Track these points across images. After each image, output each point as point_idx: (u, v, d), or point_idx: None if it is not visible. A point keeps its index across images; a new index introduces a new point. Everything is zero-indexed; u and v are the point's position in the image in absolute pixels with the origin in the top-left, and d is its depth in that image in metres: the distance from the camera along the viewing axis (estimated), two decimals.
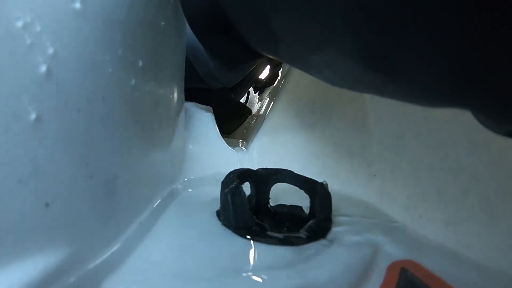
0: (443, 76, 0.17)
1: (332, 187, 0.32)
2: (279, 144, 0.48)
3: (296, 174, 0.33)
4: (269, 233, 0.28)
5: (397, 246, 0.27)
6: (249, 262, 0.24)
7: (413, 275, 0.23)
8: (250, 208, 0.29)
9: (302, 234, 0.28)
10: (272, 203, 0.33)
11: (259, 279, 0.21)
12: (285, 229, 0.30)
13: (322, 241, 0.27)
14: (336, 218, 0.32)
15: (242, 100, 0.84)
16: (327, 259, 0.24)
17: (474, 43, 0.15)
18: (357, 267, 0.24)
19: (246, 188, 0.30)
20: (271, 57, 0.45)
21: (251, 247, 0.25)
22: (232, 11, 0.28)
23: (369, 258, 0.25)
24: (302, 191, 0.32)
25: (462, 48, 0.15)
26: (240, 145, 0.51)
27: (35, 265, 0.15)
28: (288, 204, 0.34)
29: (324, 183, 0.32)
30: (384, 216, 0.34)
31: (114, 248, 0.21)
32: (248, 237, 0.26)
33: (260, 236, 0.26)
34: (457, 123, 0.29)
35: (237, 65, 0.52)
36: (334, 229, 0.30)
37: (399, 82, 0.19)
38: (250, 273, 0.22)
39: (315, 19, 0.20)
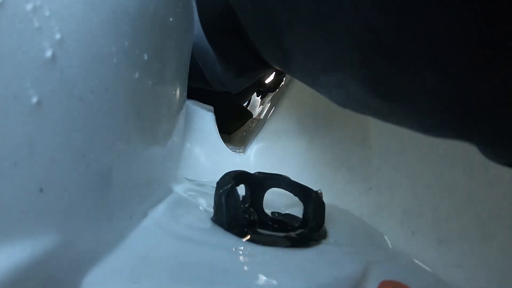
0: (447, 110, 0.17)
1: (327, 197, 0.32)
2: (277, 149, 0.48)
3: (292, 180, 0.33)
4: (259, 237, 0.28)
5: (388, 267, 0.27)
6: (238, 261, 0.24)
7: None
8: (243, 210, 0.29)
9: (293, 238, 0.28)
10: (265, 208, 0.33)
11: (247, 281, 0.21)
12: (277, 233, 0.30)
13: (313, 250, 0.27)
14: (329, 229, 0.32)
15: (244, 104, 0.84)
16: (317, 269, 0.24)
17: (481, 79, 0.15)
18: (346, 282, 0.24)
19: (241, 190, 0.30)
20: (279, 69, 0.45)
21: (241, 247, 0.25)
22: (246, 21, 0.28)
23: (359, 275, 0.25)
24: (296, 199, 0.32)
25: (472, 84, 0.15)
26: (238, 147, 0.51)
27: (24, 249, 0.15)
28: (281, 211, 0.34)
29: (319, 191, 0.32)
30: (377, 234, 0.34)
31: (104, 239, 0.21)
32: (239, 237, 0.26)
33: (251, 236, 0.26)
34: (456, 142, 0.29)
35: (246, 72, 0.53)
36: (326, 240, 0.30)
37: (405, 111, 0.20)
38: (237, 273, 0.22)
39: (326, 42, 0.20)
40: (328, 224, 0.32)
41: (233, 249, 0.25)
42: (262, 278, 0.22)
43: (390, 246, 0.32)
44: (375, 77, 0.18)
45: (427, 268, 0.28)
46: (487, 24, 0.13)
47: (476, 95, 0.15)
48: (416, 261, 0.29)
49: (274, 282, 0.22)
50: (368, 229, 0.35)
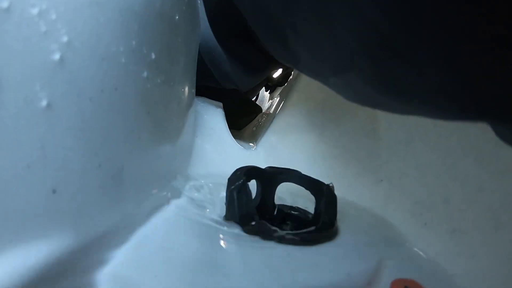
0: (462, 99, 0.17)
1: (338, 189, 0.32)
2: (287, 143, 0.48)
3: (303, 174, 0.33)
4: (273, 229, 0.28)
5: (401, 263, 0.27)
6: (252, 258, 0.24)
7: None
8: (255, 206, 0.29)
9: (307, 235, 0.28)
10: (277, 202, 0.33)
11: (259, 278, 0.21)
12: (289, 229, 0.30)
13: (326, 246, 0.27)
14: (342, 225, 0.32)
15: (253, 98, 0.84)
16: (330, 266, 0.24)
17: (488, 66, 0.14)
18: (360, 278, 0.24)
19: (253, 186, 0.30)
20: (289, 66, 0.45)
21: (255, 244, 0.25)
22: (253, 23, 0.28)
23: (373, 271, 0.25)
24: (308, 192, 0.32)
25: (477, 72, 0.15)
26: (248, 143, 0.51)
27: (39, 250, 0.15)
28: (293, 205, 0.34)
29: (331, 185, 0.32)
30: (390, 228, 0.34)
31: (118, 236, 0.21)
32: (253, 234, 0.26)
33: (264, 234, 0.26)
34: (466, 132, 0.29)
35: (257, 72, 0.52)
36: (339, 236, 0.29)
37: (416, 105, 0.19)
38: (252, 270, 0.22)
39: (332, 44, 0.20)
40: (340, 220, 0.32)
41: (247, 246, 0.25)
42: (276, 275, 0.22)
43: (403, 240, 0.32)
44: (384, 76, 0.18)
45: (440, 264, 0.28)
46: (494, 19, 0.13)
47: (488, 88, 0.15)
48: (429, 257, 0.29)
49: (288, 278, 0.22)
50: (380, 223, 0.35)
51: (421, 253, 0.30)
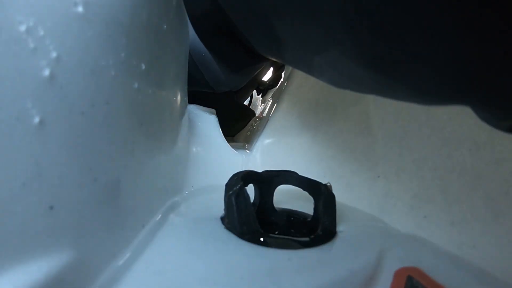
0: (443, 75, 0.17)
1: (336, 188, 0.32)
2: (282, 146, 0.48)
3: (300, 175, 0.33)
4: (273, 236, 0.28)
5: (402, 252, 0.27)
6: (254, 267, 0.24)
7: (419, 283, 0.22)
8: (254, 210, 0.29)
9: (307, 238, 0.28)
10: (276, 205, 0.33)
11: (264, 285, 0.21)
12: (290, 232, 0.30)
13: (327, 246, 0.27)
14: (341, 223, 0.32)
15: (245, 102, 0.84)
16: (332, 265, 0.24)
17: (474, 42, 0.15)
18: (362, 273, 0.24)
19: (250, 190, 0.30)
20: (275, 60, 0.45)
21: (256, 252, 0.25)
22: (235, 15, 0.28)
23: (374, 264, 0.25)
24: (306, 194, 0.32)
25: (462, 47, 0.15)
26: (243, 147, 0.51)
27: (40, 268, 0.15)
28: (292, 207, 0.34)
29: (328, 184, 0.32)
30: (388, 223, 0.34)
31: (119, 252, 0.21)
32: (252, 241, 0.26)
33: (264, 239, 0.26)
34: (460, 123, 0.29)
35: (242, 68, 0.53)
36: (339, 234, 0.30)
37: (400, 82, 0.20)
38: (254, 279, 0.22)
39: (315, 23, 0.20)
40: (339, 220, 0.32)
41: (248, 256, 0.25)
42: (278, 281, 0.22)
43: (402, 231, 0.32)
44: (367, 52, 0.19)
45: (441, 247, 0.28)
46: None
47: (468, 58, 0.15)
48: (429, 249, 0.29)
49: (290, 283, 0.22)
50: (377, 221, 0.35)
51: (419, 237, 0.30)
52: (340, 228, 0.31)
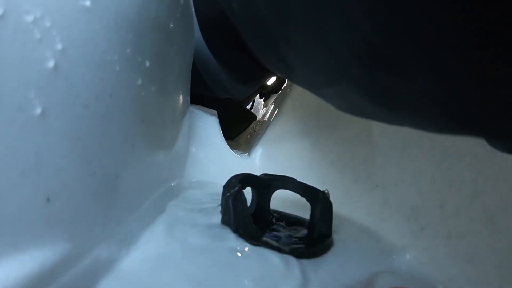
0: (452, 114, 0.17)
1: (334, 196, 0.32)
2: (282, 150, 0.48)
3: (298, 181, 0.33)
4: (268, 241, 0.28)
5: (394, 272, 0.27)
6: (247, 269, 0.24)
7: None
8: (251, 213, 0.29)
9: (302, 245, 0.28)
10: (273, 209, 0.33)
11: None
12: (286, 237, 0.30)
13: (322, 258, 0.27)
14: (336, 236, 0.32)
15: (248, 106, 0.84)
16: (325, 277, 0.24)
17: (483, 81, 0.15)
18: None
19: (248, 193, 0.30)
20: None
21: (250, 255, 0.25)
22: (244, 32, 0.28)
23: (367, 281, 0.25)
24: (303, 200, 0.32)
25: (471, 88, 0.15)
26: (243, 151, 0.51)
27: (34, 258, 0.15)
28: (288, 212, 0.34)
29: (326, 191, 0.32)
30: (384, 238, 0.34)
31: (114, 245, 0.21)
32: (247, 243, 0.26)
33: (259, 243, 0.26)
34: (460, 137, 0.29)
35: (250, 81, 0.52)
36: (334, 247, 0.29)
37: (409, 117, 0.20)
38: (246, 282, 0.22)
39: (325, 55, 0.20)
40: (335, 231, 0.32)
41: (242, 258, 0.25)
42: (270, 286, 0.22)
43: (397, 250, 0.32)
44: (376, 88, 0.19)
45: (434, 277, 0.28)
46: (480, 27, 0.13)
47: (479, 98, 0.15)
48: (424, 264, 0.29)
49: None
50: (374, 235, 0.35)
51: (415, 261, 0.30)
52: (336, 238, 0.31)
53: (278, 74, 0.31)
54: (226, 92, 0.52)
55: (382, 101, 0.19)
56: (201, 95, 0.52)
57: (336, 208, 0.31)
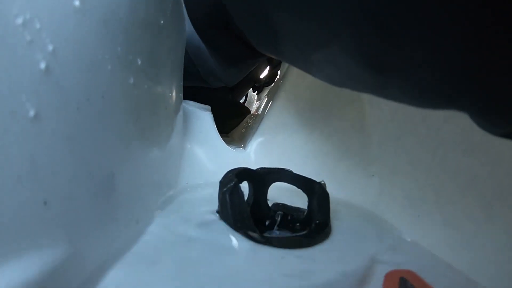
0: (440, 78, 0.17)
1: (330, 187, 0.32)
2: (277, 143, 0.48)
3: (294, 173, 0.33)
4: (266, 234, 0.28)
5: (394, 256, 0.27)
6: (245, 263, 0.24)
7: (413, 286, 0.23)
8: (248, 207, 0.29)
9: (300, 237, 0.28)
10: (270, 202, 0.33)
11: (255, 282, 0.21)
12: (284, 229, 0.30)
13: (320, 246, 0.27)
14: (334, 223, 0.32)
15: (241, 100, 0.84)
16: (324, 266, 0.24)
17: (471, 46, 0.15)
18: (354, 275, 0.24)
19: (244, 187, 0.30)
20: (272, 56, 0.45)
21: (248, 248, 0.25)
22: (234, 9, 0.28)
23: (367, 266, 0.25)
24: (300, 191, 0.32)
25: (460, 51, 0.15)
26: (238, 145, 0.51)
27: (33, 263, 0.15)
28: (286, 203, 0.34)
29: (322, 182, 0.32)
30: (382, 222, 0.34)
31: (113, 246, 0.21)
32: (246, 237, 0.26)
33: (258, 237, 0.26)
34: (455, 124, 0.30)
35: (238, 63, 0.53)
36: (332, 235, 0.30)
37: (397, 82, 0.20)
38: (246, 275, 0.22)
39: (316, 18, 0.20)
40: (333, 218, 0.32)
41: (241, 252, 0.25)
42: (270, 279, 0.22)
43: (396, 233, 0.32)
44: (367, 50, 0.19)
45: (434, 253, 0.28)
46: None
47: (467, 64, 0.15)
48: (423, 247, 0.29)
49: (283, 282, 0.22)
50: (372, 219, 0.35)
51: (417, 242, 0.30)
52: (333, 226, 0.31)
53: (266, 52, 0.31)
54: (217, 78, 0.53)
55: (371, 64, 0.19)
56: (194, 91, 0.52)
57: (333, 197, 0.31)
